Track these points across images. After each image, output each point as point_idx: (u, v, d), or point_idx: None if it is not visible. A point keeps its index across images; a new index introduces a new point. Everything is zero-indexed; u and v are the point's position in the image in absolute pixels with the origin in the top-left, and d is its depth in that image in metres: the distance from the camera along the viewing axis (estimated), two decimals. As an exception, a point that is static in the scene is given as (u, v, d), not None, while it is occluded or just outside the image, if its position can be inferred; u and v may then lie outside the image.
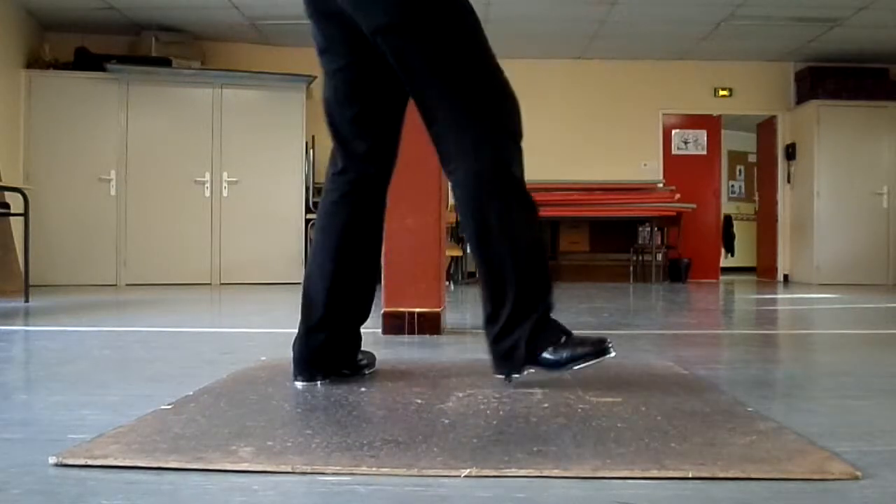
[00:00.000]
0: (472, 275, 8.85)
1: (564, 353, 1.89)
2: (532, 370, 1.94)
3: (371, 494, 1.14)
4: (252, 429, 1.49)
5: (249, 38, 8.79)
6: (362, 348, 2.13)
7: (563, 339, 1.91)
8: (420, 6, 1.82)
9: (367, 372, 2.12)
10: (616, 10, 7.65)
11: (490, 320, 1.93)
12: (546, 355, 1.89)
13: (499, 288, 1.90)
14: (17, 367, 2.54)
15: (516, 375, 1.95)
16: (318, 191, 8.68)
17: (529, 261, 1.91)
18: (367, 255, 2.06)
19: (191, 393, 1.86)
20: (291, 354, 2.02)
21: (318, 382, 1.97)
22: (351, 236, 2.01)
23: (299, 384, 1.96)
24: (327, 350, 2.00)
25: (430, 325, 3.23)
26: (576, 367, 1.89)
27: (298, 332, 2.01)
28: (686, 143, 10.11)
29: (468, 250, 8.59)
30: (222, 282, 8.10)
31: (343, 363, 2.05)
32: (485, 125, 1.87)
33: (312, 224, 8.32)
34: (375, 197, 2.05)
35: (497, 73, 1.90)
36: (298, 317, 2.02)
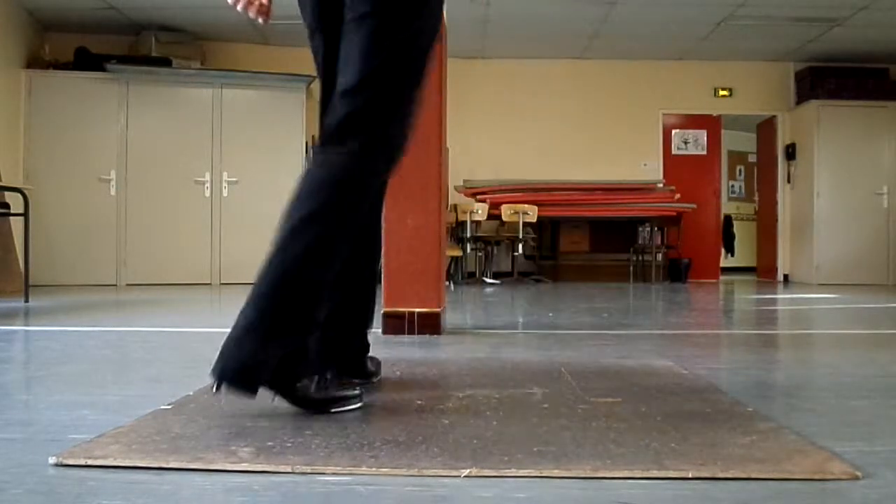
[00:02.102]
0: (471, 275, 8.86)
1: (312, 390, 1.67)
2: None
3: (371, 494, 1.14)
4: (252, 429, 1.49)
5: (249, 38, 8.79)
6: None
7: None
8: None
9: (374, 380, 2.03)
10: (616, 10, 7.65)
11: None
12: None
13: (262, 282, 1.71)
14: (17, 367, 2.54)
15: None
16: (318, 191, 8.67)
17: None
18: (367, 254, 1.96)
19: (191, 393, 1.86)
20: None
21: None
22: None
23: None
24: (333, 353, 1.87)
25: (430, 325, 3.23)
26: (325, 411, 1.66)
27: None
28: (686, 143, 10.11)
29: (467, 250, 8.59)
30: (222, 282, 8.10)
31: (352, 371, 1.96)
32: (381, 131, 1.72)
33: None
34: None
35: (417, 98, 1.78)
36: None
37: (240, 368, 1.59)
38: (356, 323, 2.00)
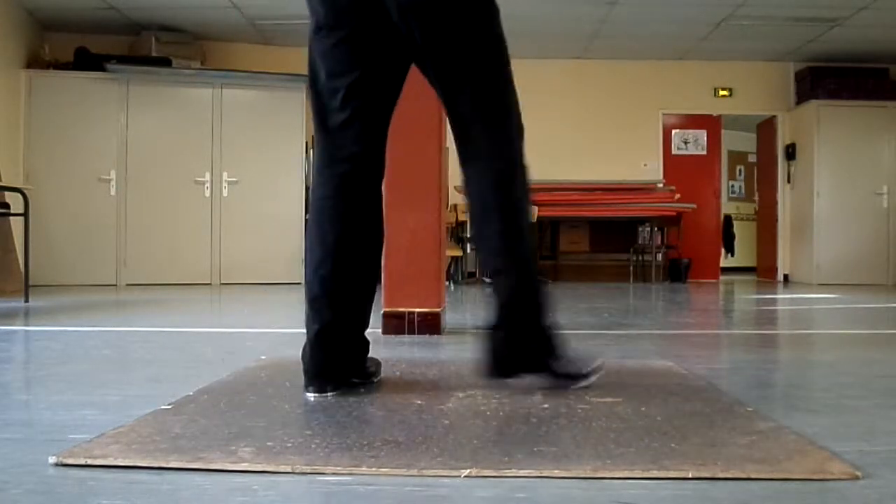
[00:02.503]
0: (471, 275, 8.85)
1: (569, 366, 1.91)
2: (533, 378, 1.91)
3: (371, 494, 1.14)
4: (252, 429, 1.49)
5: (249, 38, 8.79)
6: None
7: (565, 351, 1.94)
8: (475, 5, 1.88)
9: (374, 380, 2.04)
10: (616, 10, 7.65)
11: (508, 321, 1.91)
12: (552, 364, 1.90)
13: (525, 290, 1.90)
14: (17, 367, 2.54)
15: (512, 380, 1.90)
16: (318, 191, 8.67)
17: (536, 266, 1.96)
18: (367, 252, 1.96)
19: (191, 393, 1.86)
20: (302, 365, 1.90)
21: (329, 394, 1.84)
22: (348, 231, 1.91)
23: (310, 396, 1.83)
24: (337, 358, 1.90)
25: (430, 325, 3.23)
26: (578, 385, 1.91)
27: (308, 341, 1.89)
28: (686, 143, 10.11)
29: (467, 250, 8.59)
30: (222, 282, 8.10)
31: (352, 371, 1.96)
32: (512, 125, 1.92)
33: (312, 224, 8.38)
34: (369, 189, 1.95)
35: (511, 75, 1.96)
36: (302, 323, 1.92)
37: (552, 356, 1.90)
38: (360, 324, 2.00)
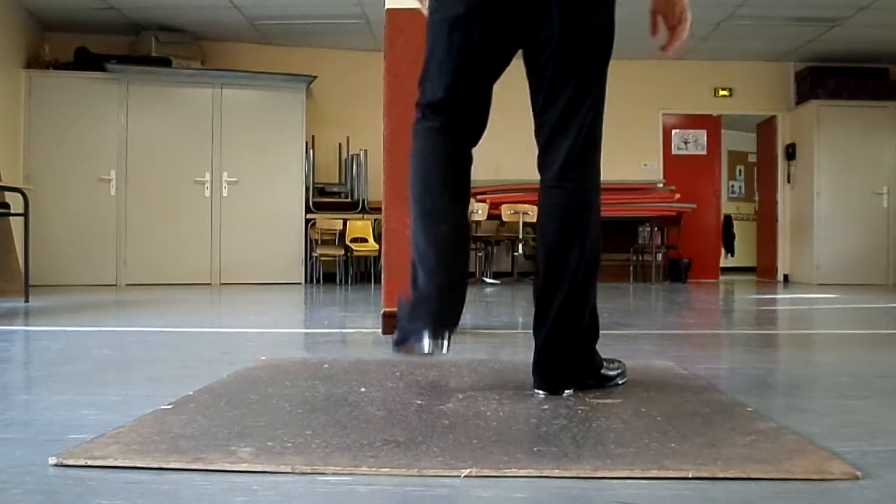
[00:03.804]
0: (471, 275, 8.85)
1: (613, 372, 2.00)
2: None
3: (371, 494, 1.14)
4: (252, 429, 1.49)
5: (249, 38, 8.79)
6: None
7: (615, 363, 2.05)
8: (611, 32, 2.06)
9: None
10: (616, 9, 7.64)
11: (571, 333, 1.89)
12: (605, 372, 1.98)
13: (581, 303, 1.91)
14: (17, 367, 2.54)
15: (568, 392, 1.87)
16: (318, 191, 8.69)
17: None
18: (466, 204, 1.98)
19: (191, 393, 1.86)
20: (401, 319, 1.83)
21: (445, 345, 1.76)
22: (457, 172, 1.96)
23: (426, 344, 1.73)
24: (462, 298, 1.85)
25: (430, 325, 3.22)
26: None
27: (424, 285, 1.81)
28: (686, 143, 10.11)
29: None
30: (222, 282, 8.11)
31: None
32: (598, 152, 2.09)
33: (312, 224, 8.38)
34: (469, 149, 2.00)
35: None
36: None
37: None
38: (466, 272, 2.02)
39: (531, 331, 1.90)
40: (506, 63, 1.99)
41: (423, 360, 2.52)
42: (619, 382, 2.00)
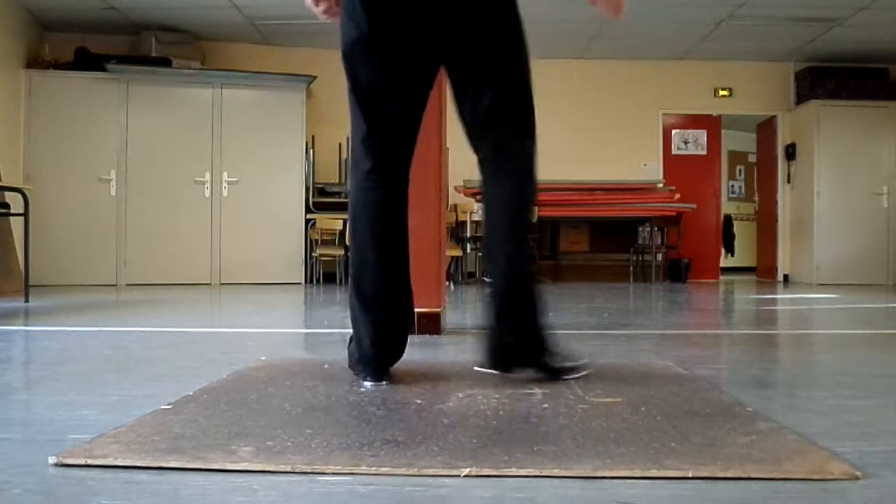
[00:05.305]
0: (471, 275, 8.86)
1: (562, 361, 2.03)
2: (530, 371, 2.02)
3: (371, 494, 1.14)
4: (252, 429, 1.49)
5: (249, 38, 8.79)
6: None
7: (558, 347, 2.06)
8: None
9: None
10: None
11: (511, 315, 2.00)
12: (548, 359, 2.01)
13: (525, 284, 2.01)
14: (17, 367, 2.54)
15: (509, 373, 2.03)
16: (318, 191, 8.68)
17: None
18: (405, 254, 2.10)
19: (191, 393, 1.85)
20: (348, 358, 2.08)
21: (385, 383, 1.98)
22: (393, 231, 2.04)
23: (369, 384, 1.96)
24: (398, 344, 2.06)
25: (430, 325, 3.23)
26: (568, 378, 2.01)
27: (365, 333, 2.00)
28: (686, 143, 10.11)
29: (467, 250, 8.58)
30: (222, 282, 8.11)
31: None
32: (531, 130, 2.06)
33: (312, 224, 8.38)
34: (405, 192, 2.09)
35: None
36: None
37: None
38: (408, 318, 2.16)
39: None
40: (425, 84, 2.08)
41: (423, 359, 2.52)
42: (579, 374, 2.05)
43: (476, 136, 2.06)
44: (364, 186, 2.02)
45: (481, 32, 1.99)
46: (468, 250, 8.67)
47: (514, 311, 2.00)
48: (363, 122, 2.01)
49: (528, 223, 2.03)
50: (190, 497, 1.12)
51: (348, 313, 2.07)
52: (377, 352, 2.00)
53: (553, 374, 2.00)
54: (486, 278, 2.09)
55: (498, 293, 2.02)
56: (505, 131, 2.02)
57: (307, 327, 3.95)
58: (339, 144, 8.91)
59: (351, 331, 2.06)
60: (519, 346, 2.01)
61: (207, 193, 8.16)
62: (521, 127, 2.04)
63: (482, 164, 2.05)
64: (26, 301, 5.17)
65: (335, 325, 3.90)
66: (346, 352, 2.12)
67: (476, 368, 2.10)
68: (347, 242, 2.17)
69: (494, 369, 2.05)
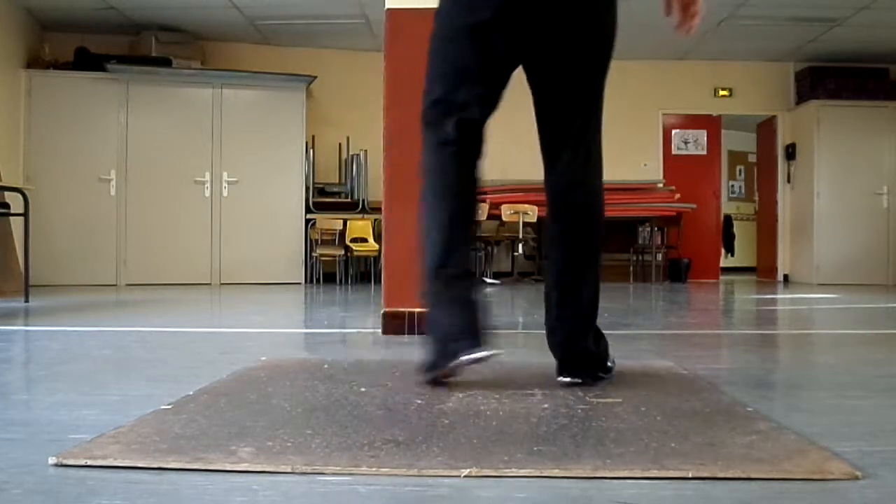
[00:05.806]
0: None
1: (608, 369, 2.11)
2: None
3: (371, 494, 1.14)
4: (252, 429, 1.49)
5: (249, 38, 8.79)
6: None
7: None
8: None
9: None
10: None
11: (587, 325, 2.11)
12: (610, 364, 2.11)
13: (594, 296, 2.20)
14: (17, 367, 2.54)
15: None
16: (318, 191, 8.69)
17: None
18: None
19: (191, 393, 1.85)
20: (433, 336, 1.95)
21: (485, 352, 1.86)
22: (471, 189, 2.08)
23: (477, 354, 1.83)
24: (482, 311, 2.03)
25: (430, 325, 3.22)
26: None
27: (454, 301, 1.99)
28: (686, 143, 10.11)
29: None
30: (222, 282, 8.11)
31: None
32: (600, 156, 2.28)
33: (312, 224, 8.38)
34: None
35: None
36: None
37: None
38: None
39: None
40: (510, 73, 2.10)
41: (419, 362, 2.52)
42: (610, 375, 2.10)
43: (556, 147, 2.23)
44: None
45: (581, 50, 2.10)
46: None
47: (590, 322, 2.16)
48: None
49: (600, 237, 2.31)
50: (190, 497, 1.12)
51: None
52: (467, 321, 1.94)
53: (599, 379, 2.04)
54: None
55: (572, 306, 2.16)
56: (584, 167, 2.27)
57: (307, 327, 3.95)
58: (339, 144, 8.91)
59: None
60: (591, 355, 2.08)
61: (207, 193, 8.16)
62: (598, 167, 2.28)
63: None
64: (26, 301, 5.17)
65: (335, 325, 3.90)
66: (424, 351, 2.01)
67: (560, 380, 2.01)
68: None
69: (566, 377, 2.00)
